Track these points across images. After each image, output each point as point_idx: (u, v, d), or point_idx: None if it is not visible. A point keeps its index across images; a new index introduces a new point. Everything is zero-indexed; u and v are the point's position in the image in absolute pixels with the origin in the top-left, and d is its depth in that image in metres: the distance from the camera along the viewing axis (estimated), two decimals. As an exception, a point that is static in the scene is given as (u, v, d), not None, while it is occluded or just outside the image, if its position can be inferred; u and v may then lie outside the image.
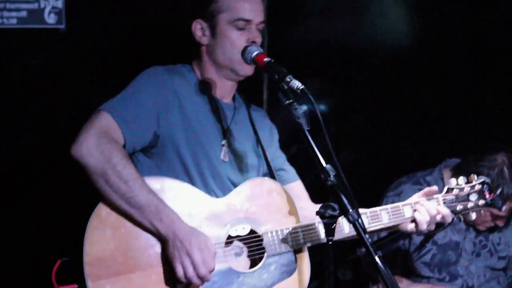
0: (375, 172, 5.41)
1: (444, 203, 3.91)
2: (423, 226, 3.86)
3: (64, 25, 4.49)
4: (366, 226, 3.68)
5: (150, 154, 3.68)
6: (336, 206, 3.22)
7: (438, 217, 3.88)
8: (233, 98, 3.93)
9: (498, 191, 3.94)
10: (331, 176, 3.22)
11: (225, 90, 3.86)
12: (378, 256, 3.17)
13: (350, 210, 3.19)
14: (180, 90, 3.71)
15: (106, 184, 3.43)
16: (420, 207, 3.87)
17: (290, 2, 5.32)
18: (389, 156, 5.46)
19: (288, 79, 3.35)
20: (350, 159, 5.52)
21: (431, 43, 5.54)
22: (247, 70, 3.77)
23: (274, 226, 3.66)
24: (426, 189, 3.94)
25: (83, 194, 3.50)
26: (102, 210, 3.48)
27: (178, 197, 3.56)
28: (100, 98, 3.66)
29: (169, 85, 3.69)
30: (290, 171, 4.05)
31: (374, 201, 4.98)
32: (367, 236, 3.20)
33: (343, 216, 3.22)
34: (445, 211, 3.87)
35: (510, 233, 4.93)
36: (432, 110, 5.54)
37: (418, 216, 3.86)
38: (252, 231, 3.65)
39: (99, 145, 3.43)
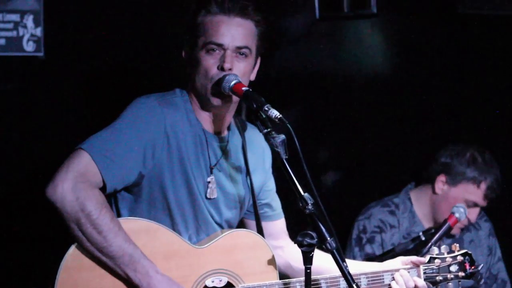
0: (349, 197, 5.44)
1: (425, 273, 3.84)
2: None
3: (43, 53, 4.49)
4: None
5: (132, 192, 3.56)
6: (314, 234, 3.20)
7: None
8: (228, 128, 3.76)
9: (480, 267, 3.94)
10: (309, 204, 3.21)
11: (216, 122, 3.69)
12: (356, 285, 3.18)
13: (328, 239, 3.18)
14: (171, 125, 3.53)
15: (80, 232, 3.31)
16: (399, 277, 3.78)
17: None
18: (363, 182, 5.49)
19: (266, 108, 3.33)
20: (329, 184, 5.56)
21: (408, 69, 5.58)
22: (214, 101, 3.58)
23: (251, 280, 3.59)
24: (415, 257, 3.86)
25: (59, 230, 3.40)
26: (77, 251, 3.38)
27: (155, 242, 3.45)
28: (79, 128, 3.61)
29: (160, 121, 3.50)
30: (276, 208, 3.97)
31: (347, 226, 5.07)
32: (345, 264, 3.20)
33: (321, 244, 3.20)
34: (421, 283, 3.79)
35: (477, 250, 5.09)
36: (408, 136, 5.57)
37: (394, 286, 3.77)
38: (229, 284, 3.58)
39: (74, 190, 3.28)
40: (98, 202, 3.33)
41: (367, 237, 5.01)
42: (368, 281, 3.74)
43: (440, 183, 5.05)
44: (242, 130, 3.81)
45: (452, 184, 5.02)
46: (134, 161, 3.45)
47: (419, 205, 5.08)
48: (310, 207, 3.21)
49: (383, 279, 3.78)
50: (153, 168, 3.50)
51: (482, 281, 3.98)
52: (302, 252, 3.23)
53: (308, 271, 3.24)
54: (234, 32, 3.57)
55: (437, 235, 4.55)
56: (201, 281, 3.51)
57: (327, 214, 3.28)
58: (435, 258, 3.87)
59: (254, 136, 3.79)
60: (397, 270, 3.79)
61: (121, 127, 3.47)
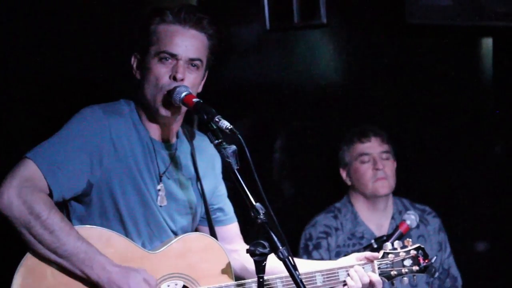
0: (301, 205, 5.49)
1: (379, 268, 3.88)
2: None
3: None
4: None
5: (82, 202, 3.55)
6: (266, 243, 3.22)
7: (369, 285, 3.83)
8: (177, 135, 3.76)
9: (434, 259, 3.99)
10: (261, 214, 3.23)
11: (163, 130, 3.69)
12: (309, 293, 3.21)
13: (280, 248, 3.20)
14: (118, 134, 3.53)
15: (31, 235, 3.31)
16: (353, 273, 3.81)
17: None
18: (315, 190, 5.54)
19: (217, 119, 3.35)
20: (282, 193, 5.59)
21: (358, 78, 5.64)
22: (163, 112, 3.58)
23: (207, 283, 3.61)
24: (369, 253, 3.89)
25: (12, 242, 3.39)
26: (29, 260, 3.36)
27: (108, 249, 3.43)
28: (26, 138, 3.58)
29: (105, 129, 3.51)
30: (228, 212, 3.98)
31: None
32: (297, 273, 3.22)
33: (273, 253, 3.22)
34: (376, 278, 3.83)
35: (427, 245, 5.01)
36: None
37: (349, 282, 3.79)
38: (185, 287, 3.59)
39: (20, 195, 3.29)
40: (45, 203, 3.34)
41: (313, 244, 5.06)
42: (324, 278, 3.77)
43: (344, 175, 5.18)
44: (190, 137, 3.82)
45: (347, 169, 5.16)
46: (81, 168, 3.45)
47: (359, 206, 5.15)
48: (261, 216, 3.23)
49: (338, 276, 3.81)
50: (101, 176, 3.50)
51: (436, 274, 4.03)
52: (255, 261, 3.25)
53: (261, 280, 3.25)
54: (188, 44, 3.59)
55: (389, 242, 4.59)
56: (156, 286, 3.49)
57: (280, 222, 3.30)
58: (388, 253, 3.91)
59: (203, 143, 3.80)
60: (352, 267, 3.83)
61: (66, 135, 3.47)
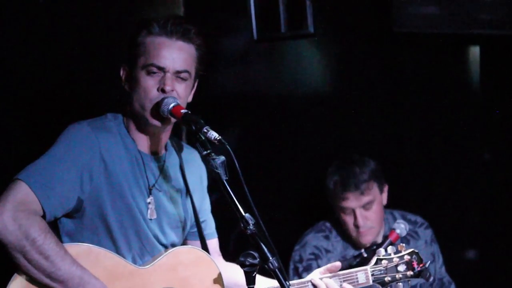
0: (291, 215, 5.47)
1: (373, 275, 3.88)
2: None
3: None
4: None
5: (73, 218, 3.55)
6: (256, 254, 3.21)
7: None
8: (165, 148, 3.78)
9: (428, 263, 3.98)
10: (251, 224, 3.23)
11: (152, 142, 3.71)
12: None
13: (270, 258, 3.20)
14: (106, 149, 3.54)
15: (26, 260, 3.30)
16: (320, 283, 3.78)
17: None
18: (304, 200, 5.52)
19: (205, 130, 3.35)
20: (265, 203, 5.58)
21: (346, 87, 5.64)
22: (153, 122, 3.60)
23: None
24: (329, 265, 3.86)
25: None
26: (18, 279, 3.36)
27: (97, 265, 3.44)
28: (16, 157, 3.56)
29: (94, 146, 3.52)
30: (211, 227, 4.00)
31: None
32: (288, 283, 3.22)
33: (263, 264, 3.21)
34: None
35: None
36: (348, 154, 5.61)
37: None
38: None
39: (15, 219, 3.27)
40: (41, 228, 3.33)
41: (304, 266, 5.01)
42: None
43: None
44: (178, 150, 3.83)
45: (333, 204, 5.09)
46: (72, 186, 3.45)
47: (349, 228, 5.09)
48: (251, 227, 3.23)
49: None
50: (91, 192, 3.50)
51: (431, 278, 4.00)
52: (245, 272, 3.23)
53: (252, 291, 3.25)
54: (176, 56, 3.60)
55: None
56: None
57: (271, 232, 3.30)
58: (381, 259, 3.91)
59: (191, 155, 3.83)
60: (321, 279, 3.80)
61: (56, 154, 3.48)
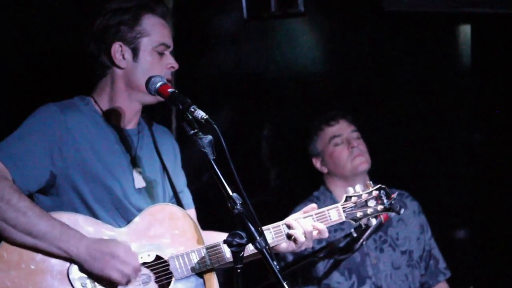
0: (282, 196, 5.48)
1: (344, 211, 3.95)
2: (301, 239, 3.81)
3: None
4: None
5: (48, 194, 3.63)
6: (243, 234, 3.22)
7: (315, 233, 3.87)
8: (138, 122, 3.91)
9: (396, 194, 4.01)
10: (238, 204, 3.24)
11: (131, 116, 3.83)
12: (286, 283, 3.20)
13: (258, 238, 3.21)
14: (75, 126, 3.66)
15: (3, 221, 3.39)
16: (293, 222, 3.84)
17: (197, 31, 5.33)
18: (296, 181, 5.53)
19: (192, 109, 3.35)
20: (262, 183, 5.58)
21: (340, 69, 5.63)
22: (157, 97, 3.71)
23: (179, 250, 3.67)
24: (307, 207, 3.94)
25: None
26: (3, 251, 3.42)
27: (79, 230, 3.50)
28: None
29: (62, 122, 3.63)
30: (188, 197, 4.06)
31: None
32: (275, 263, 3.22)
33: (250, 244, 3.23)
34: (321, 226, 3.87)
35: (408, 228, 5.09)
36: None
37: (292, 231, 3.82)
38: (158, 257, 3.64)
39: None
40: (13, 188, 3.44)
41: None
42: (272, 236, 3.82)
43: (317, 164, 5.17)
44: (149, 126, 3.97)
45: (321, 157, 5.14)
46: (42, 159, 3.57)
47: (337, 191, 5.12)
48: (238, 207, 3.25)
49: (283, 230, 3.84)
50: (63, 167, 3.59)
51: (402, 210, 4.05)
52: (232, 252, 3.26)
53: (239, 271, 3.25)
54: (170, 35, 3.87)
55: (368, 231, 4.58)
56: (132, 251, 3.56)
57: (263, 213, 3.30)
58: (351, 196, 4.00)
59: (162, 134, 4.02)
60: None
61: (25, 131, 3.62)
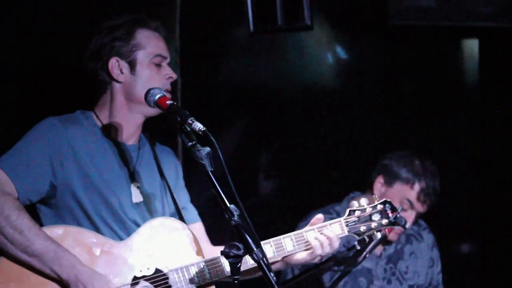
0: (292, 207, 5.47)
1: (347, 225, 3.90)
2: (318, 251, 3.81)
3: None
4: (271, 255, 3.72)
5: (50, 205, 3.67)
6: (240, 245, 3.23)
7: (326, 242, 3.83)
8: (139, 139, 3.92)
9: (400, 209, 3.98)
10: (235, 215, 3.25)
11: (131, 131, 3.85)
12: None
13: (255, 249, 3.22)
14: (75, 139, 3.70)
15: (2, 236, 3.45)
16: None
17: (204, 44, 5.36)
18: (305, 191, 5.52)
19: (190, 121, 3.36)
20: (272, 194, 5.58)
21: (347, 82, 5.63)
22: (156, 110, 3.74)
23: (178, 263, 3.67)
24: (313, 219, 3.90)
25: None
26: (3, 264, 3.47)
27: (79, 243, 3.55)
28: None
29: (62, 135, 3.68)
30: (192, 211, 4.06)
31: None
32: (272, 274, 3.22)
33: (248, 255, 3.23)
34: (331, 234, 3.84)
35: (418, 262, 5.05)
36: (349, 146, 5.62)
37: (311, 241, 3.82)
38: (157, 270, 3.64)
39: None
40: (14, 205, 3.50)
41: None
42: (293, 243, 3.82)
43: (378, 184, 5.03)
44: (151, 144, 3.98)
45: (388, 185, 5.00)
46: (43, 170, 3.63)
47: None
48: (236, 218, 3.25)
49: (306, 238, 3.83)
50: (63, 179, 3.64)
51: (408, 225, 3.99)
52: (229, 263, 3.26)
53: (236, 282, 3.25)
54: (166, 48, 3.91)
55: (371, 244, 4.56)
56: (129, 272, 3.60)
57: (269, 222, 3.30)
58: (354, 210, 3.93)
59: (165, 154, 4.03)
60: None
61: (26, 142, 3.69)
